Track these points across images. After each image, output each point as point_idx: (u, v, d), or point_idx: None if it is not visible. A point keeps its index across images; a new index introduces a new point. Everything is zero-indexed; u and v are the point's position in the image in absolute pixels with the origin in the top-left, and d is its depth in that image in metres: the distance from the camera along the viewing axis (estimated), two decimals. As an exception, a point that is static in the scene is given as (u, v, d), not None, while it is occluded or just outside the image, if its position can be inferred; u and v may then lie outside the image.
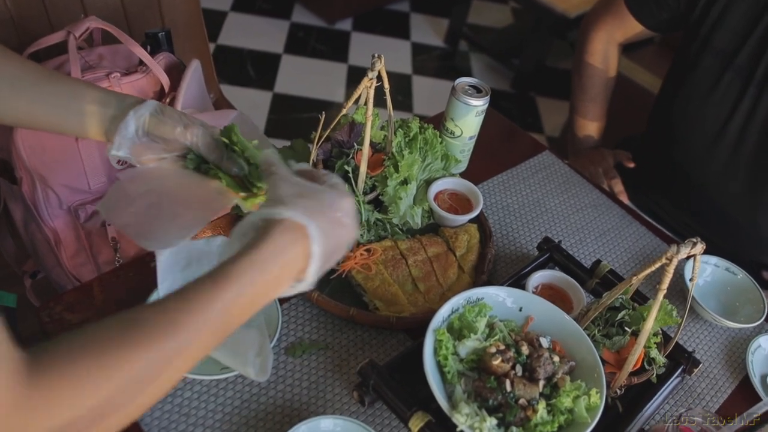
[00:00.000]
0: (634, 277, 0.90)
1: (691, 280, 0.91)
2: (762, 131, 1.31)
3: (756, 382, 1.08)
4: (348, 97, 1.02)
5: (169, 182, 0.81)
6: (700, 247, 0.85)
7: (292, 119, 2.96)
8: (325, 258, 0.69)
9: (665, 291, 0.85)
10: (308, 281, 0.69)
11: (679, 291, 1.21)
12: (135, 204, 0.80)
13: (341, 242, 0.72)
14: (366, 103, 1.04)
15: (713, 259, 1.24)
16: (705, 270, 1.23)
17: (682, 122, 1.42)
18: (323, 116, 1.07)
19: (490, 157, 1.40)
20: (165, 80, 1.25)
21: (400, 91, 3.25)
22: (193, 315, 0.60)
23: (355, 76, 3.25)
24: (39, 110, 0.81)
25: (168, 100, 1.25)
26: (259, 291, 0.65)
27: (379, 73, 1.01)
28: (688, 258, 0.85)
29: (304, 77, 3.21)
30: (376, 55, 0.99)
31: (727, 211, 1.42)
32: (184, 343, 0.60)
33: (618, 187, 1.56)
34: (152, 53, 1.27)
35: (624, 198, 1.56)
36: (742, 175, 1.36)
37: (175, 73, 1.29)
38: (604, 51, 1.57)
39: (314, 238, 0.66)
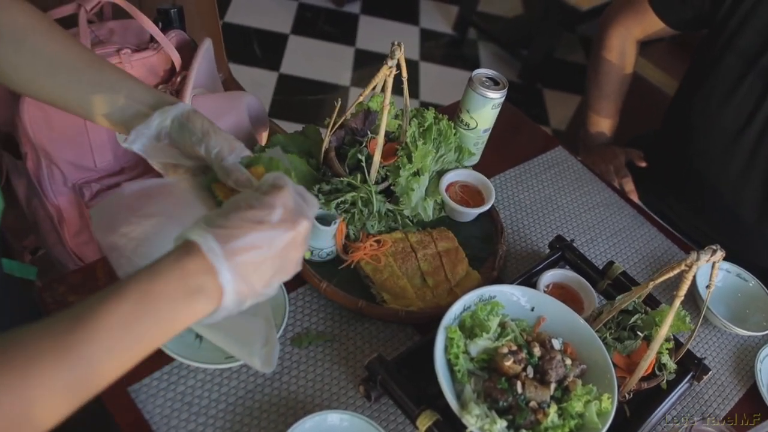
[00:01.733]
0: (651, 283, 0.88)
1: (707, 287, 0.89)
2: None
3: (764, 390, 1.07)
4: (354, 80, 1.00)
5: (177, 203, 0.78)
6: (720, 254, 0.83)
7: (298, 101, 2.92)
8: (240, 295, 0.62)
9: (682, 298, 0.84)
10: (225, 309, 0.62)
11: (689, 295, 1.19)
12: (132, 227, 0.74)
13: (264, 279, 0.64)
14: (383, 91, 1.02)
15: (725, 265, 1.22)
16: (716, 275, 1.21)
17: (700, 122, 1.40)
18: (338, 103, 1.04)
19: (503, 151, 1.38)
20: (176, 58, 1.23)
21: (407, 78, 3.20)
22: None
23: (362, 60, 3.21)
24: (73, 95, 0.78)
25: (179, 78, 1.23)
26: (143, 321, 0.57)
27: (398, 61, 0.98)
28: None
29: (310, 59, 3.17)
30: (395, 43, 0.97)
31: (739, 214, 1.41)
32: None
33: (629, 185, 1.55)
34: (163, 30, 1.24)
35: (634, 197, 1.54)
36: (759, 179, 1.34)
37: (187, 51, 1.26)
38: (621, 47, 1.54)
39: (226, 285, 0.59)
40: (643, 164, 1.56)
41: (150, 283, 0.57)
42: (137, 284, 0.57)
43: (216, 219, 0.61)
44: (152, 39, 1.22)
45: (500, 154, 1.37)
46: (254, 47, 3.12)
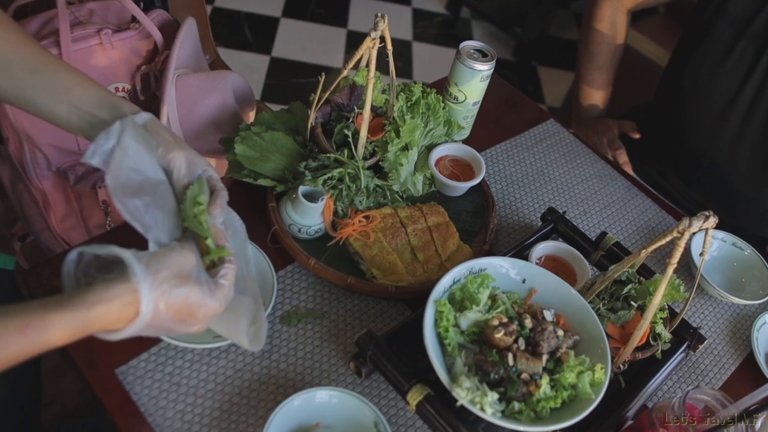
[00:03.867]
0: (643, 251, 0.87)
1: (701, 254, 0.88)
2: None
3: (761, 359, 1.06)
4: (347, 62, 0.98)
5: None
6: (713, 221, 0.81)
7: (290, 84, 2.90)
8: (143, 331, 0.67)
9: (675, 265, 0.82)
10: (119, 335, 0.66)
11: (684, 265, 1.18)
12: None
13: (171, 329, 0.69)
14: (368, 65, 1.00)
15: (720, 234, 1.21)
16: (712, 245, 1.20)
17: (692, 91, 1.38)
18: (323, 77, 1.02)
19: (493, 125, 1.36)
20: (158, 38, 1.21)
21: (400, 58, 3.18)
22: None
23: (355, 42, 3.18)
24: (28, 98, 0.76)
25: (162, 58, 1.20)
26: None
27: (382, 34, 0.96)
28: (698, 231, 0.82)
29: (302, 42, 3.14)
30: (379, 15, 0.95)
31: (733, 184, 1.39)
32: None
33: (623, 158, 1.53)
34: (145, 10, 1.22)
35: (628, 169, 1.52)
36: (751, 147, 1.33)
37: (169, 31, 1.24)
38: (612, 17, 1.52)
39: (142, 315, 0.64)
40: (637, 136, 1.55)
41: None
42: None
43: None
44: (134, 19, 1.20)
45: (491, 127, 1.35)
46: (245, 31, 3.09)
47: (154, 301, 0.64)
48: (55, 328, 0.60)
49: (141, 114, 0.76)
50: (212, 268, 0.73)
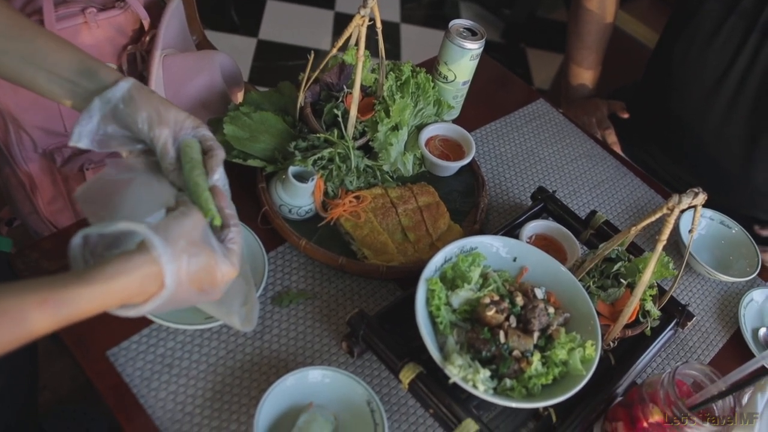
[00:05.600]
0: (633, 228, 0.87)
1: (690, 231, 0.88)
2: (763, 79, 1.27)
3: (748, 335, 1.07)
4: (336, 41, 0.97)
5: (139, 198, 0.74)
6: (702, 197, 0.82)
7: (277, 67, 2.87)
8: (165, 305, 0.64)
9: (665, 242, 0.82)
10: (141, 310, 0.63)
11: (673, 244, 1.19)
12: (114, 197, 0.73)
13: (191, 300, 0.68)
14: (357, 43, 0.99)
15: (708, 212, 1.22)
16: (700, 223, 1.20)
17: (681, 69, 1.38)
18: (312, 56, 1.02)
19: (483, 105, 1.36)
20: (144, 17, 1.19)
21: (388, 40, 3.17)
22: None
23: (342, 24, 3.16)
24: (7, 66, 0.73)
25: (148, 38, 1.19)
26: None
27: (371, 12, 0.95)
28: (687, 209, 0.83)
29: (289, 24, 3.11)
30: (368, -9, 0.94)
31: (721, 162, 1.40)
32: None
33: (611, 137, 1.53)
34: (130, -11, 1.20)
35: (617, 149, 1.52)
36: (740, 125, 1.33)
37: (155, 10, 1.23)
38: None
39: (167, 288, 0.62)
40: (626, 115, 1.55)
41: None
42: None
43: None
44: (119, -3, 1.18)
45: (481, 107, 1.35)
46: (231, 14, 3.06)
47: (176, 272, 0.62)
48: (74, 302, 0.57)
49: (120, 84, 0.72)
50: (217, 232, 0.71)
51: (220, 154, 0.76)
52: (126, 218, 0.66)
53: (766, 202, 1.42)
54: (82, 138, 0.72)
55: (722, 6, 1.28)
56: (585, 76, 1.61)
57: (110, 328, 0.86)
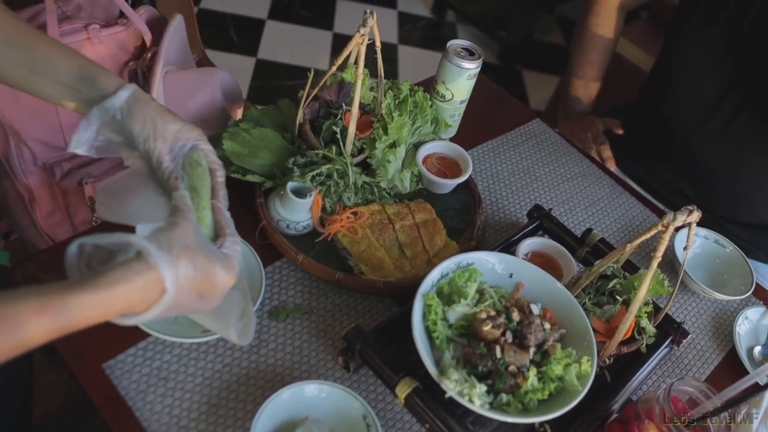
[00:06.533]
0: (628, 245, 0.88)
1: (685, 248, 0.89)
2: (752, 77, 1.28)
3: (743, 354, 1.08)
4: (335, 60, 0.98)
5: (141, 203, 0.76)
6: (696, 215, 0.83)
7: (276, 86, 2.89)
8: (167, 311, 0.65)
9: (660, 259, 0.83)
10: (144, 318, 0.64)
11: (668, 262, 1.19)
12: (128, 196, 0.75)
13: (191, 307, 0.68)
14: (356, 62, 1.00)
15: (703, 231, 1.22)
16: (695, 242, 1.21)
17: (678, 81, 1.39)
18: (312, 73, 1.03)
19: (480, 124, 1.37)
20: (147, 34, 1.20)
21: (386, 61, 3.16)
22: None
23: (341, 44, 3.15)
24: (12, 73, 0.74)
25: (149, 54, 1.20)
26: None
27: (370, 31, 0.97)
28: (681, 227, 0.84)
29: (288, 44, 3.14)
30: (368, 11, 0.95)
31: (719, 175, 1.39)
32: None
33: (606, 152, 1.54)
34: (133, 6, 1.22)
35: (612, 164, 1.53)
36: (737, 138, 1.34)
37: (157, 27, 1.24)
38: (607, 12, 1.54)
39: (169, 293, 0.62)
40: (621, 131, 1.56)
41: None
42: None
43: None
44: (122, 14, 1.20)
45: (478, 126, 1.36)
46: (231, 33, 3.09)
47: (175, 277, 0.62)
48: (75, 309, 0.56)
49: (120, 93, 0.73)
50: (214, 242, 0.72)
51: (222, 175, 0.78)
52: (132, 216, 0.68)
53: (765, 212, 1.41)
54: (80, 145, 0.73)
55: (706, 17, 1.30)
56: (585, 90, 1.63)
57: (107, 341, 0.86)
